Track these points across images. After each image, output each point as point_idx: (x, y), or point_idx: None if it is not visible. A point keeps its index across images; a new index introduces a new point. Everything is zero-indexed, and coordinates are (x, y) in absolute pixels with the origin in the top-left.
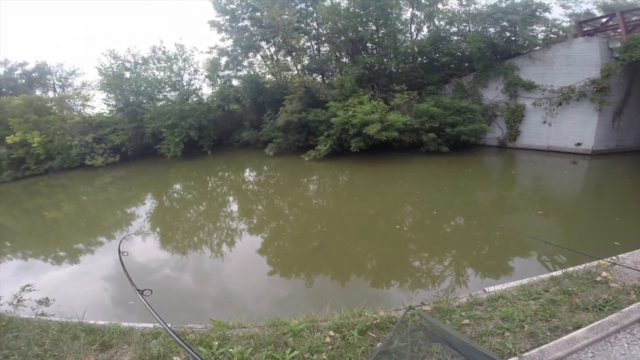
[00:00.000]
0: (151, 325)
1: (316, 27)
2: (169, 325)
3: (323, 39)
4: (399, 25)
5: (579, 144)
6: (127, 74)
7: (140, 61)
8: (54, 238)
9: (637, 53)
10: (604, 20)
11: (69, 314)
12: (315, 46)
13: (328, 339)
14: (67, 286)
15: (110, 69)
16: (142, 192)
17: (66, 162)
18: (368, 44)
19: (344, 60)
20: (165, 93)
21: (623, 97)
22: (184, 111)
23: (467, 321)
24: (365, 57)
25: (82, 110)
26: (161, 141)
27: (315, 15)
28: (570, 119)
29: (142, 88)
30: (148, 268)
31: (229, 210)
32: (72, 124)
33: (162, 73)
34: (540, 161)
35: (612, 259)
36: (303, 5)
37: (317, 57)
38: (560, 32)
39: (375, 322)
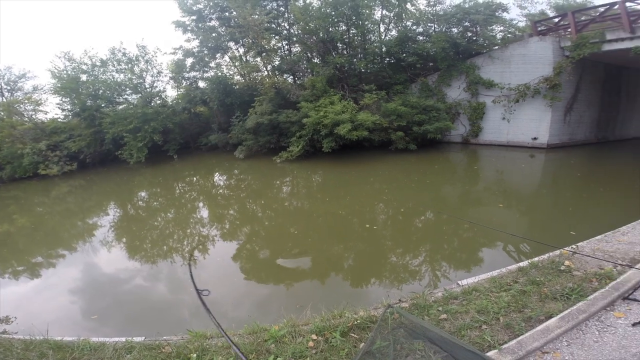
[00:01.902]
0: (123, 339)
1: (287, 27)
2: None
3: (294, 39)
4: (369, 25)
5: (535, 139)
6: (84, 77)
7: (98, 63)
8: (8, 253)
9: (585, 51)
10: (556, 20)
11: (31, 332)
12: (286, 47)
13: (311, 343)
14: (27, 302)
15: (65, 71)
16: (104, 201)
17: (17, 172)
18: (338, 44)
19: (315, 61)
20: (126, 96)
21: (573, 93)
22: (146, 114)
23: (444, 316)
24: (336, 58)
25: (33, 116)
26: (123, 147)
27: (287, 15)
28: (526, 115)
29: (101, 91)
30: (116, 278)
31: (199, 216)
32: (23, 131)
33: (122, 75)
34: (501, 156)
35: (572, 247)
36: (274, 4)
37: (288, 57)
38: (517, 32)
39: (356, 322)
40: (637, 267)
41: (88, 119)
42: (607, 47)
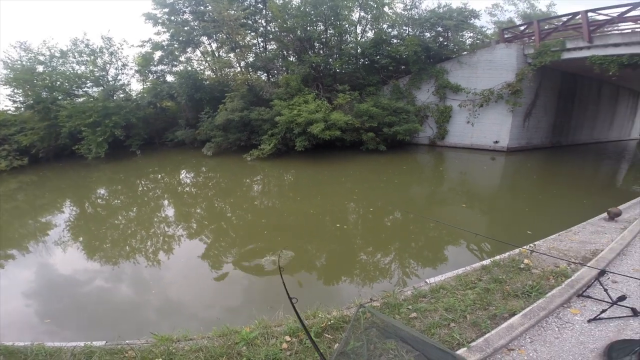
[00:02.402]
0: (82, 343)
1: (264, 24)
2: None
3: (271, 36)
4: (347, 25)
5: (496, 142)
6: (40, 68)
7: (57, 54)
8: None
9: (546, 59)
10: (522, 27)
11: None
12: (261, 44)
13: (285, 345)
14: None
15: (19, 62)
16: (59, 198)
17: None
18: (315, 44)
19: (291, 59)
20: (86, 89)
21: (532, 99)
22: (108, 108)
23: (414, 314)
24: (312, 57)
25: None
26: (80, 141)
27: (264, 12)
28: (489, 119)
29: (58, 83)
30: (73, 280)
31: (163, 215)
32: None
33: (83, 67)
34: (465, 158)
35: (530, 246)
36: (252, 0)
37: (263, 54)
38: (485, 39)
39: (329, 323)
40: (588, 265)
41: (42, 111)
42: (566, 55)
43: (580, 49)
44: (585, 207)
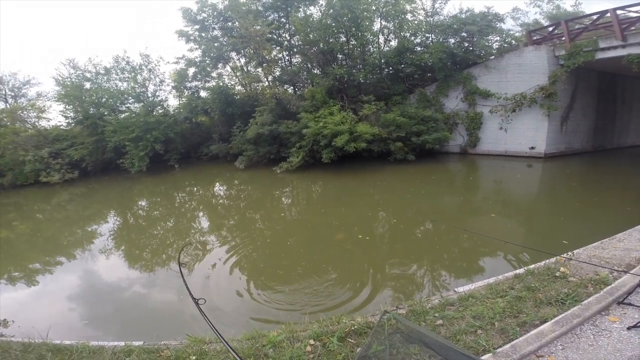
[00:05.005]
0: (122, 343)
1: (288, 38)
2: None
3: (295, 50)
4: (369, 36)
5: (532, 148)
6: (88, 85)
7: (102, 71)
8: (5, 258)
9: (579, 60)
10: (550, 29)
11: (30, 335)
12: (287, 57)
13: (309, 348)
14: (26, 307)
15: (69, 79)
16: (105, 209)
17: (19, 179)
18: (338, 55)
19: (315, 72)
20: (128, 104)
21: (569, 102)
22: (148, 123)
23: (440, 322)
24: (336, 69)
25: (36, 123)
26: (124, 155)
27: (288, 26)
28: (523, 125)
29: (104, 99)
30: (116, 285)
31: (198, 226)
32: (26, 138)
33: (125, 84)
34: (499, 165)
35: (568, 254)
36: (276, 15)
37: (288, 68)
38: (513, 42)
39: (353, 328)
40: (632, 272)
41: (91, 127)
42: (600, 55)
43: (615, 48)
44: (630, 214)
